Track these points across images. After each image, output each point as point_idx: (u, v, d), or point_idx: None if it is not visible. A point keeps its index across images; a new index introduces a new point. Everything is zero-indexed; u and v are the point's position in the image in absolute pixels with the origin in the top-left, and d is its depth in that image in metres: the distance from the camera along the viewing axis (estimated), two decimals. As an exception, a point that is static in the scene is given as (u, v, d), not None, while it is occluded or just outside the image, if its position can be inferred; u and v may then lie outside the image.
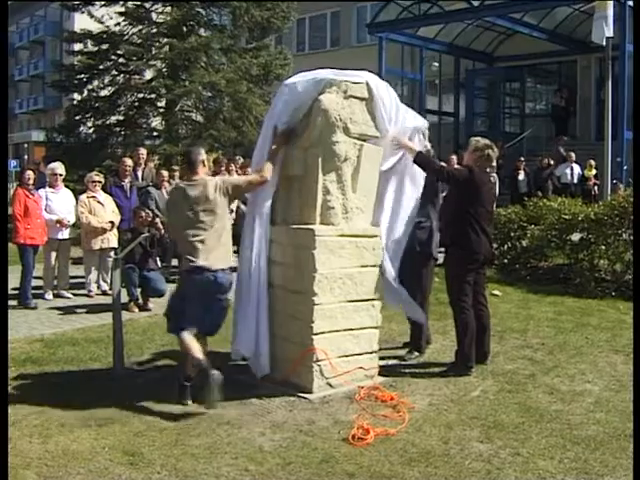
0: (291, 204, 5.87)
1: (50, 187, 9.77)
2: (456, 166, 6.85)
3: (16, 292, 8.98)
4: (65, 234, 9.69)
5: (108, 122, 18.28)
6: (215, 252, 5.41)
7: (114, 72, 18.18)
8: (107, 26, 17.84)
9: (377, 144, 6.07)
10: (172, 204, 5.65)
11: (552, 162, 17.92)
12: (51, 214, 9.48)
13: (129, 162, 10.99)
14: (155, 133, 18.72)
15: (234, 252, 5.84)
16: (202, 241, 5.38)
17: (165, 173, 11.16)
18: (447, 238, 6.43)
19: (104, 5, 18.01)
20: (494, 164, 6.59)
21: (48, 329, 7.87)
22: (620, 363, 6.48)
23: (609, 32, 13.84)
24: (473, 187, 6.23)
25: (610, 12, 13.79)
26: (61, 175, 9.90)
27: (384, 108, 5.98)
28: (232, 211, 11.52)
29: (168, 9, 17.89)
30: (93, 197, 9.83)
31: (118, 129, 18.30)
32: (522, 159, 17.97)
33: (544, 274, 10.75)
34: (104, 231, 9.70)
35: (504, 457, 4.40)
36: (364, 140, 5.91)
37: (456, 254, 6.32)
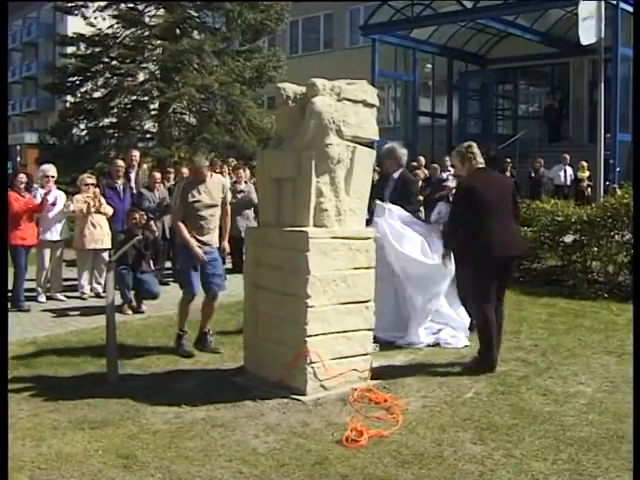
0: (284, 206, 5.86)
1: (41, 189, 9.75)
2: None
3: (9, 294, 8.94)
4: (56, 235, 9.65)
5: (101, 124, 18.32)
6: None
7: (107, 74, 18.17)
8: (100, 29, 17.85)
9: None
10: None
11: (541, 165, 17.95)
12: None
13: (121, 163, 10.97)
14: (148, 135, 18.75)
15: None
16: None
17: (158, 175, 11.14)
18: (460, 246, 6.41)
19: (98, 11, 17.98)
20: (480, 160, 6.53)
21: (41, 332, 7.85)
22: (613, 364, 6.49)
23: (600, 33, 13.86)
24: (471, 197, 6.19)
25: (602, 13, 13.83)
26: (53, 177, 9.88)
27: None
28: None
29: (161, 12, 17.89)
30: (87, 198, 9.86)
31: (111, 131, 18.33)
32: (508, 160, 17.65)
33: (537, 276, 10.76)
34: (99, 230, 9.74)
35: (497, 459, 4.40)
36: (357, 143, 5.92)
37: (468, 261, 6.33)
